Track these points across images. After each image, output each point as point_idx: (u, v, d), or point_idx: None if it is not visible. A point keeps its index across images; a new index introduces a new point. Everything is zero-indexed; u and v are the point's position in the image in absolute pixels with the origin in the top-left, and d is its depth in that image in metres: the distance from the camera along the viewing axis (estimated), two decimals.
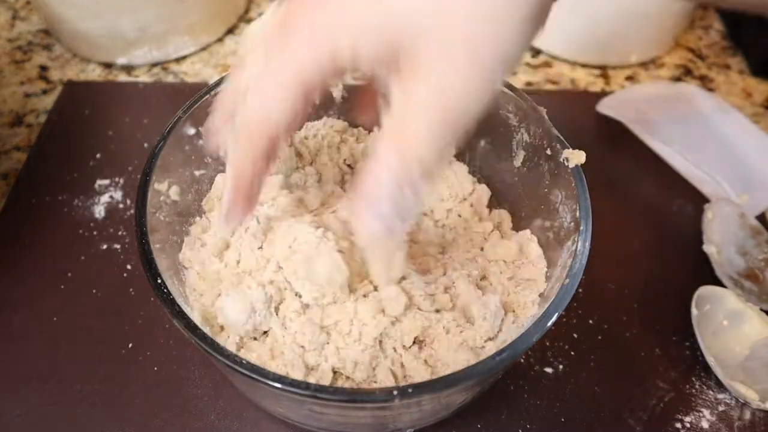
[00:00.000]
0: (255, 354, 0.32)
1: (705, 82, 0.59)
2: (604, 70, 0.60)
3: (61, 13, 0.56)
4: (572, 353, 0.40)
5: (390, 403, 0.26)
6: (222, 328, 0.33)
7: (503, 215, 0.40)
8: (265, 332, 0.33)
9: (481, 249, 0.38)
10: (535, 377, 0.39)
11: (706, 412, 0.38)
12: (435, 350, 0.32)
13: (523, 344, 0.27)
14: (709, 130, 0.51)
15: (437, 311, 0.33)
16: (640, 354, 0.40)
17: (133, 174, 0.49)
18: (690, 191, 0.49)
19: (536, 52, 0.61)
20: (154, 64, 0.59)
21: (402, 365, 0.32)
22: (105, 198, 0.48)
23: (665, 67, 0.60)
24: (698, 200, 0.48)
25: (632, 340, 0.41)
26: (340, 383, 0.32)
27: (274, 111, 0.24)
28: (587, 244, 0.31)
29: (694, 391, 0.39)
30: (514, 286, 0.36)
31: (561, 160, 0.33)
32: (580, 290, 0.43)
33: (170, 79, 0.58)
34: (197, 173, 0.39)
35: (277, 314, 0.32)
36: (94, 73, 0.59)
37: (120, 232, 0.46)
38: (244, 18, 0.64)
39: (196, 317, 0.31)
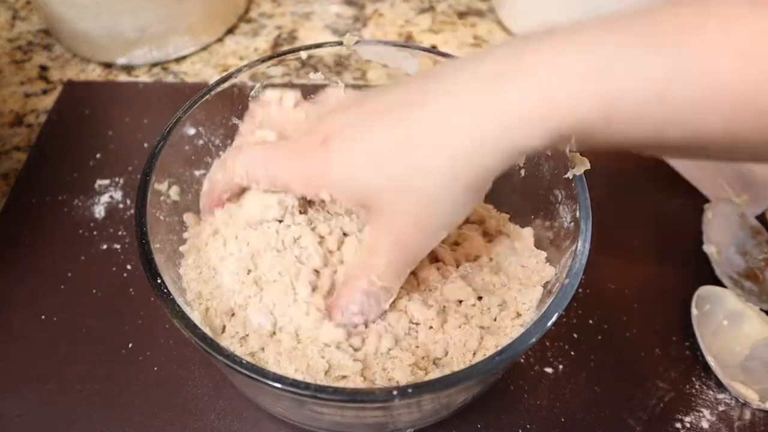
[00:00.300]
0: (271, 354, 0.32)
1: None
2: None
3: (61, 13, 0.56)
4: (572, 353, 0.40)
5: (390, 403, 0.27)
6: (223, 329, 0.33)
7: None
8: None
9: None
10: (535, 377, 0.39)
11: (706, 412, 0.38)
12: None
13: (523, 344, 0.27)
14: None
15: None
16: (640, 354, 0.40)
17: (133, 174, 0.49)
18: (690, 191, 0.49)
19: None
20: (154, 64, 0.60)
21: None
22: (105, 198, 0.48)
23: None
24: (698, 200, 0.48)
25: (632, 340, 0.41)
26: (340, 383, 0.32)
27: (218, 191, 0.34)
28: (587, 244, 0.31)
29: (694, 391, 0.39)
30: (517, 285, 0.36)
31: (568, 166, 0.33)
32: (580, 290, 0.43)
33: (170, 79, 0.58)
34: (197, 173, 0.39)
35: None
36: (94, 73, 0.59)
37: (120, 232, 0.46)
38: (244, 18, 0.64)
39: (196, 317, 0.31)
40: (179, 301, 0.29)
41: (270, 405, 0.34)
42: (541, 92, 0.24)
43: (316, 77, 0.40)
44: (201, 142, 0.39)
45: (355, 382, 0.31)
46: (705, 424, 0.37)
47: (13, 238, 0.45)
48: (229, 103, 0.39)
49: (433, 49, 0.39)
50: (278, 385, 0.26)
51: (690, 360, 0.40)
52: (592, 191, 0.32)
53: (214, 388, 0.38)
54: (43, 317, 0.41)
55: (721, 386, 0.39)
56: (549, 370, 0.39)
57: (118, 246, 0.45)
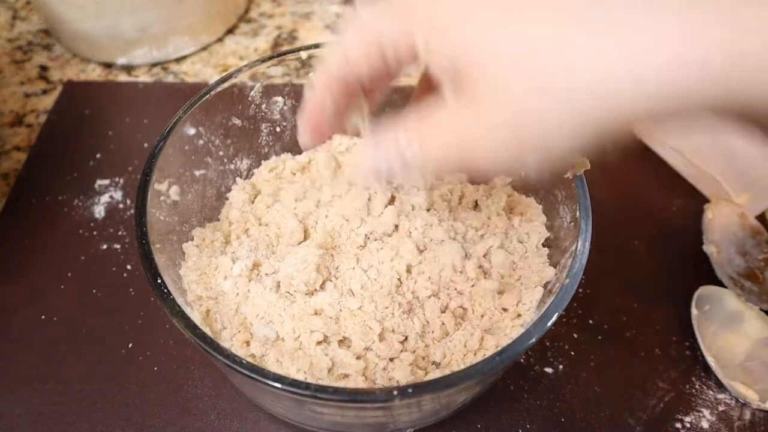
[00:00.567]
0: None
1: None
2: None
3: (61, 13, 0.56)
4: (572, 353, 0.40)
5: (390, 403, 0.27)
6: (220, 329, 0.33)
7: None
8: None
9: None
10: (535, 377, 0.39)
11: (706, 412, 0.38)
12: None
13: (523, 344, 0.27)
14: (709, 131, 0.51)
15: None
16: (640, 354, 0.40)
17: (133, 174, 0.49)
18: (690, 191, 0.49)
19: None
20: (154, 64, 0.59)
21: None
22: (105, 198, 0.48)
23: None
24: (698, 200, 0.48)
25: (632, 340, 0.41)
26: (341, 383, 0.32)
27: (352, 53, 0.26)
28: (587, 244, 0.31)
29: (694, 391, 0.39)
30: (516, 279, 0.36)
31: (568, 166, 0.33)
32: (580, 290, 0.43)
33: (170, 79, 0.58)
34: (197, 173, 0.39)
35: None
36: (94, 73, 0.59)
37: (120, 232, 0.46)
38: (244, 18, 0.64)
39: (196, 317, 0.31)
40: (179, 301, 0.29)
41: (270, 405, 0.34)
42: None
43: None
44: (201, 142, 0.39)
45: (357, 382, 0.31)
46: (705, 424, 0.37)
47: (13, 238, 0.45)
48: (229, 103, 0.39)
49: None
50: (278, 385, 0.26)
51: (690, 360, 0.40)
52: (592, 191, 0.32)
53: (214, 388, 0.38)
54: (43, 317, 0.41)
55: (721, 386, 0.39)
56: (549, 370, 0.39)
57: (118, 246, 0.45)
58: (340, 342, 0.33)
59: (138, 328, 0.41)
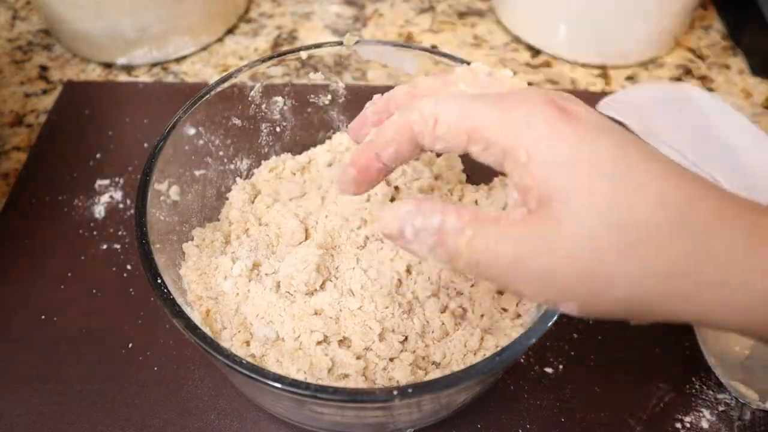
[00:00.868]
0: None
1: (705, 82, 0.59)
2: (604, 70, 0.60)
3: (61, 13, 0.56)
4: (572, 353, 0.40)
5: (390, 403, 0.27)
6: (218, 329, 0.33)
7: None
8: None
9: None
10: (535, 377, 0.39)
11: (706, 412, 0.38)
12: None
13: (523, 344, 0.27)
14: (709, 130, 0.51)
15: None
16: (640, 354, 0.40)
17: (133, 174, 0.49)
18: None
19: (536, 52, 0.61)
20: (154, 64, 0.59)
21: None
22: (105, 198, 0.48)
23: (665, 67, 0.60)
24: None
25: (632, 340, 0.41)
26: (341, 383, 0.32)
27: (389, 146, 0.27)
28: None
29: (694, 391, 0.39)
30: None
31: None
32: None
33: (170, 79, 0.58)
34: (197, 173, 0.39)
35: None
36: (94, 73, 0.59)
37: (120, 232, 0.46)
38: (244, 18, 0.64)
39: (196, 317, 0.31)
40: (179, 301, 0.29)
41: (270, 405, 0.34)
42: None
43: (316, 77, 0.40)
44: (201, 142, 0.39)
45: (357, 382, 0.31)
46: (705, 424, 0.37)
47: (13, 238, 0.45)
48: (229, 103, 0.39)
49: (433, 49, 0.39)
50: (278, 385, 0.26)
51: (690, 360, 0.40)
52: None
53: (214, 388, 0.38)
54: (43, 317, 0.41)
55: (721, 386, 0.39)
56: (549, 370, 0.39)
57: (118, 246, 0.45)
58: (340, 342, 0.33)
59: (138, 328, 0.41)
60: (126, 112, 0.54)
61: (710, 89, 0.58)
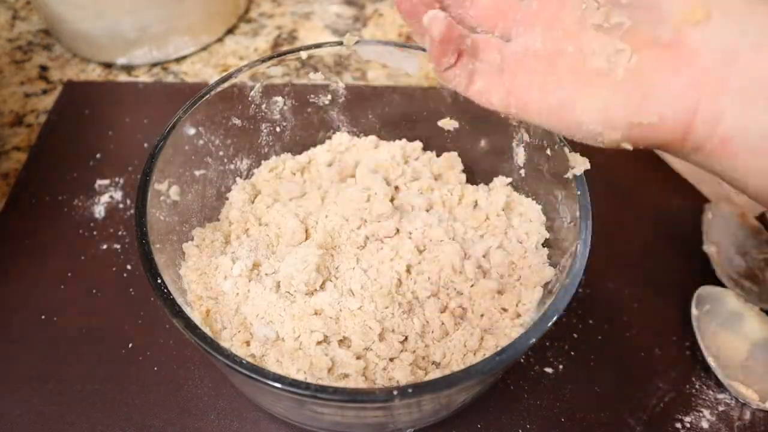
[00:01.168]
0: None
1: None
2: None
3: (61, 13, 0.56)
4: (572, 353, 0.40)
5: (390, 403, 0.27)
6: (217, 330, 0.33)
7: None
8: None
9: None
10: (535, 377, 0.39)
11: (706, 412, 0.38)
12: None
13: (523, 344, 0.27)
14: None
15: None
16: (640, 354, 0.40)
17: (133, 174, 0.49)
18: (690, 191, 0.49)
19: None
20: (154, 64, 0.59)
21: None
22: (105, 198, 0.48)
23: None
24: (698, 200, 0.48)
25: (632, 340, 0.41)
26: (341, 383, 0.32)
27: None
28: (587, 245, 0.31)
29: (694, 391, 0.39)
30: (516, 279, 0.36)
31: (568, 166, 0.33)
32: (580, 290, 0.43)
33: (170, 79, 0.58)
34: (197, 173, 0.39)
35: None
36: (94, 73, 0.59)
37: (120, 232, 0.46)
38: (244, 18, 0.64)
39: (196, 317, 0.31)
40: (179, 301, 0.29)
41: (270, 405, 0.34)
42: None
43: (316, 77, 0.40)
44: (201, 142, 0.39)
45: (357, 382, 0.31)
46: (705, 424, 0.37)
47: (13, 238, 0.45)
48: (229, 103, 0.39)
49: None
50: (278, 385, 0.26)
51: (690, 360, 0.40)
52: (592, 191, 0.32)
53: (214, 388, 0.38)
54: (43, 317, 0.41)
55: (721, 386, 0.39)
56: (549, 370, 0.39)
57: (118, 246, 0.45)
58: (340, 342, 0.33)
59: (138, 328, 0.41)
60: (126, 112, 0.54)
61: None
